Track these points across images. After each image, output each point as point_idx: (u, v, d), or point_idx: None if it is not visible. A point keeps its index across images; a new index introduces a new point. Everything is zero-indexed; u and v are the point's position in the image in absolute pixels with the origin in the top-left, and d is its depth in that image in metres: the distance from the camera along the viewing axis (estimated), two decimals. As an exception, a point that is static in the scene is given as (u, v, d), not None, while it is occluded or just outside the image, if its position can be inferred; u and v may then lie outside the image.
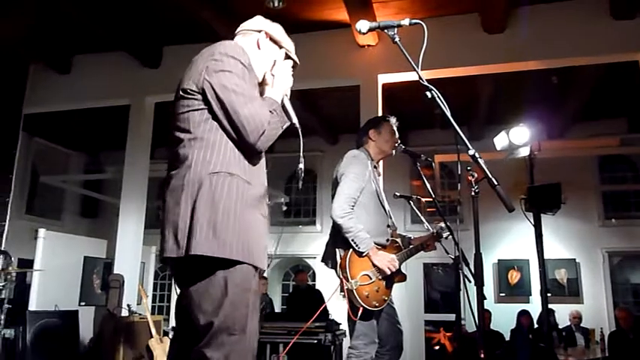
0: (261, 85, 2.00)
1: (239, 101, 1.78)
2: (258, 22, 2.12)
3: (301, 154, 1.99)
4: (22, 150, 8.76)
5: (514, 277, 8.59)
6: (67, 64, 6.71)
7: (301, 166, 2.03)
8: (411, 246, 3.36)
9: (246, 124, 1.77)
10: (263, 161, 1.97)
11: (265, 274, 8.77)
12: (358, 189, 3.12)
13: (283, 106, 1.95)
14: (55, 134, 9.39)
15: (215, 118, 1.81)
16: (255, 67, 1.96)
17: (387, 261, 3.09)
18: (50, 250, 6.31)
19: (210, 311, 1.71)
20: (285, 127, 1.93)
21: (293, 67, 2.14)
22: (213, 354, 1.68)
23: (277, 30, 2.11)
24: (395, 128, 3.47)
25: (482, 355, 1.89)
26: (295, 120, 1.97)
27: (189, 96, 1.83)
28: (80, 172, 10.42)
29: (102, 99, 6.69)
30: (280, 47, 2.10)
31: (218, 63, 1.82)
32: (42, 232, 6.33)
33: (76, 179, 10.26)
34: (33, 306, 5.92)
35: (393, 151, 3.47)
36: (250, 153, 1.85)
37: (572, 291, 8.39)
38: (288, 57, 2.12)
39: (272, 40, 2.08)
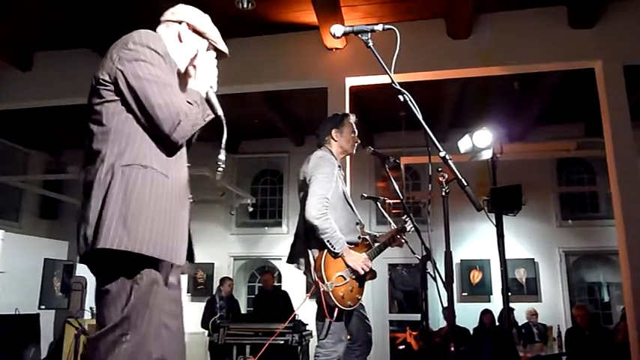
0: (185, 77, 1.93)
1: (152, 90, 1.72)
2: (180, 11, 2.02)
3: (223, 145, 1.86)
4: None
5: (476, 276, 8.79)
6: (28, 61, 6.53)
7: (221, 157, 1.87)
8: (378, 243, 3.41)
9: (159, 114, 1.71)
10: (183, 153, 1.90)
11: (231, 276, 8.73)
12: (329, 189, 3.15)
13: (208, 99, 1.88)
14: (14, 133, 9.11)
15: (129, 109, 1.75)
16: (178, 59, 1.92)
17: (361, 261, 3.13)
18: (9, 252, 6.15)
19: (111, 307, 1.65)
20: (208, 119, 1.85)
21: (220, 57, 2.05)
22: (101, 350, 1.63)
23: (201, 20, 2.02)
24: (355, 126, 3.50)
25: (452, 349, 1.95)
26: (220, 112, 1.88)
27: (102, 87, 1.77)
28: (40, 171, 10.14)
29: (65, 97, 6.51)
30: (204, 38, 2.01)
31: (132, 52, 1.76)
32: (0, 233, 6.15)
33: (35, 179, 9.97)
34: (-10, 310, 5.75)
35: (354, 150, 3.51)
36: (166, 144, 1.78)
37: (530, 290, 8.65)
38: (215, 48, 2.04)
39: (195, 31, 1.99)
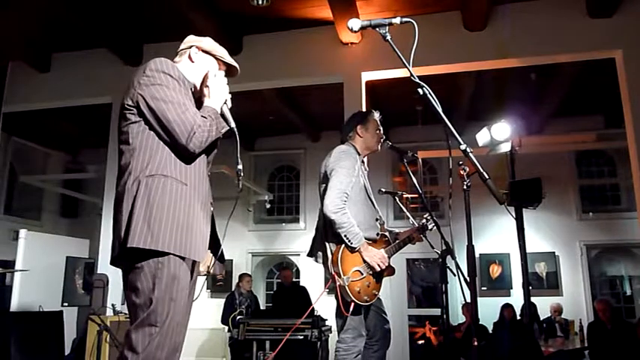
0: (200, 93, 2.21)
1: (168, 108, 1.99)
2: (188, 40, 2.34)
3: (238, 155, 2.16)
4: (0, 150, 8.65)
5: (495, 270, 8.72)
6: (46, 62, 6.62)
7: (240, 167, 2.19)
8: (397, 240, 3.40)
9: (176, 128, 1.97)
10: (202, 162, 2.13)
11: (249, 272, 8.78)
12: (349, 183, 3.14)
13: (222, 114, 2.17)
14: (34, 133, 9.24)
15: (151, 127, 2.02)
16: (192, 78, 2.22)
17: (378, 258, 3.12)
18: (32, 251, 6.22)
19: (140, 301, 1.88)
20: (223, 131, 2.13)
21: (231, 72, 2.35)
22: (133, 340, 1.83)
23: (207, 42, 2.33)
24: (379, 123, 3.50)
25: (475, 344, 1.94)
26: (233, 125, 2.18)
27: (127, 111, 2.05)
28: (60, 171, 10.28)
29: (82, 97, 6.61)
30: (213, 56, 2.31)
31: (149, 78, 2.03)
32: (23, 232, 6.23)
33: (55, 179, 10.11)
34: (14, 308, 5.84)
35: (379, 147, 3.50)
36: (185, 154, 2.03)
37: (551, 284, 8.55)
38: (225, 64, 2.33)
39: (204, 51, 2.30)
